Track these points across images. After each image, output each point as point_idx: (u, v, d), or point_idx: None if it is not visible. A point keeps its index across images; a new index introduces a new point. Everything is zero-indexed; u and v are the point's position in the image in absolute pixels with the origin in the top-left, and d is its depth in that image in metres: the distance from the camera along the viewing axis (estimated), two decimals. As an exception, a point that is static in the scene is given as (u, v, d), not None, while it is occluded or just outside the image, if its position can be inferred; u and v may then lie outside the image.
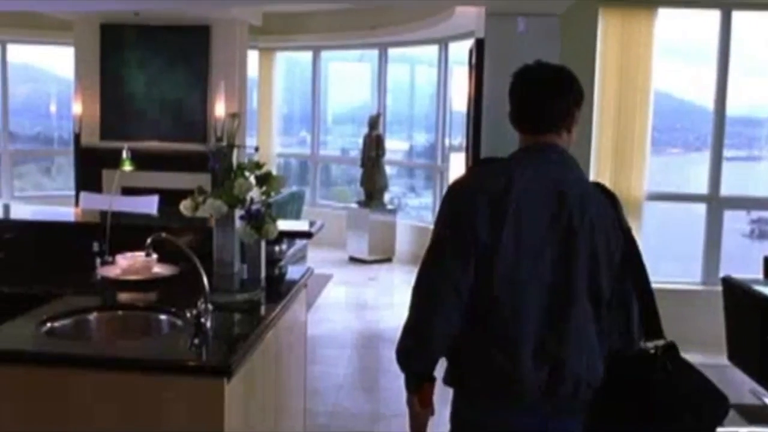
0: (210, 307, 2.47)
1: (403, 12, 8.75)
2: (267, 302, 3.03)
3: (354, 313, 7.43)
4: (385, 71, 10.20)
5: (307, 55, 10.88)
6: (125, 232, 3.59)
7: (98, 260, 3.34)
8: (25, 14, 9.14)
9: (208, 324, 2.44)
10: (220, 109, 8.89)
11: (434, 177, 9.86)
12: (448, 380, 2.23)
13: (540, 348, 2.07)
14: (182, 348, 2.36)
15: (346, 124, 11.84)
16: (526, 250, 2.09)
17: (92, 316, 2.63)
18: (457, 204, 2.18)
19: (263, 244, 3.25)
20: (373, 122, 9.41)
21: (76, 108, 9.05)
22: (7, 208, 5.03)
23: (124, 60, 9.09)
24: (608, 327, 2.16)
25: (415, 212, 10.85)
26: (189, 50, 8.98)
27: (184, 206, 3.25)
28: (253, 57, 9.69)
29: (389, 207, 9.62)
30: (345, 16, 9.52)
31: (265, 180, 3.20)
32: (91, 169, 9.03)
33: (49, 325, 2.46)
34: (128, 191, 8.25)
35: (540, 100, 2.26)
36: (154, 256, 3.26)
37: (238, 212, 3.19)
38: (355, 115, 11.26)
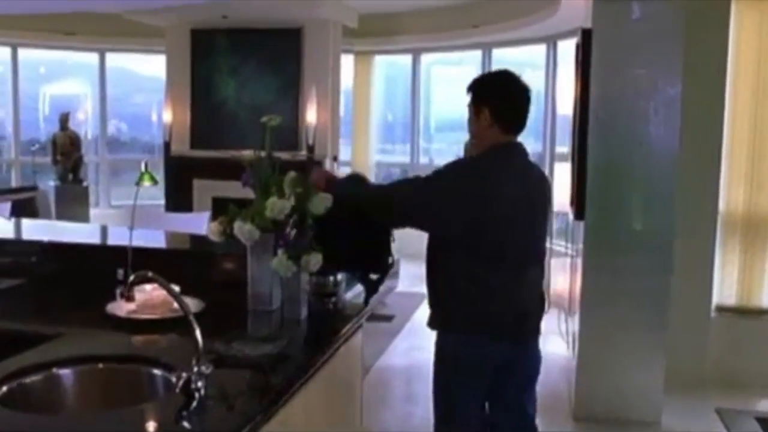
0: (206, 368, 1.87)
1: (507, 8, 8.02)
2: (305, 351, 2.42)
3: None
4: (489, 74, 9.47)
5: (407, 59, 10.27)
6: (152, 258, 3.07)
7: (118, 291, 2.82)
8: (121, 22, 9.01)
9: (203, 391, 1.85)
10: (311, 115, 8.42)
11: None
12: (435, 324, 2.96)
13: (512, 298, 2.76)
14: (166, 424, 1.78)
15: (450, 130, 11.16)
16: (509, 222, 2.70)
17: (67, 372, 2.07)
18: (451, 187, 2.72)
19: (304, 277, 2.64)
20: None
21: (166, 116, 8.79)
22: (21, 227, 4.63)
23: (215, 66, 8.79)
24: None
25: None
26: (280, 54, 8.58)
27: (212, 230, 2.68)
28: (347, 61, 9.16)
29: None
30: (446, 14, 8.86)
31: (304, 199, 2.59)
32: (181, 178, 8.78)
33: (5, 388, 1.92)
34: (218, 202, 7.92)
35: (527, 108, 2.75)
36: (176, 288, 2.73)
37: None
38: (459, 121, 10.57)
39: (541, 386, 5.24)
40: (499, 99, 2.71)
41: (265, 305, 2.70)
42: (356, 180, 3.04)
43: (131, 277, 2.05)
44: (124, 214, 9.55)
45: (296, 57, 8.52)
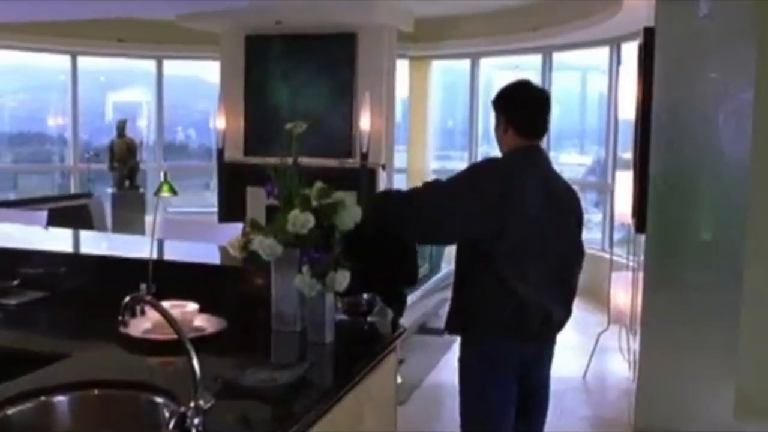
0: (205, 402, 1.68)
1: (568, 9, 7.70)
2: (325, 379, 2.21)
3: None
4: (550, 78, 9.14)
5: (465, 64, 10.01)
6: (175, 272, 2.92)
7: (138, 308, 2.66)
8: (176, 29, 9.01)
9: (200, 428, 1.65)
10: (365, 122, 8.24)
11: (605, 197, 8.67)
12: (459, 328, 2.97)
13: (538, 302, 2.78)
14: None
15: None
16: (531, 226, 2.71)
17: (61, 399, 1.91)
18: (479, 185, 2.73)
19: (330, 297, 2.43)
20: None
21: (220, 122, 8.73)
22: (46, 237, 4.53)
23: (269, 71, 8.69)
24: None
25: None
26: (334, 60, 8.42)
27: (231, 245, 2.50)
28: (403, 67, 8.95)
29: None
30: (504, 17, 8.58)
31: (330, 212, 2.38)
32: (235, 185, 8.69)
33: (-5, 416, 1.76)
34: (272, 210, 7.82)
35: (542, 115, 2.88)
36: (194, 306, 2.56)
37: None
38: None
39: (600, 406, 4.94)
40: (513, 108, 2.86)
41: (290, 326, 2.51)
42: (378, 196, 2.95)
43: (125, 300, 1.86)
44: (180, 221, 9.54)
45: (350, 62, 8.35)
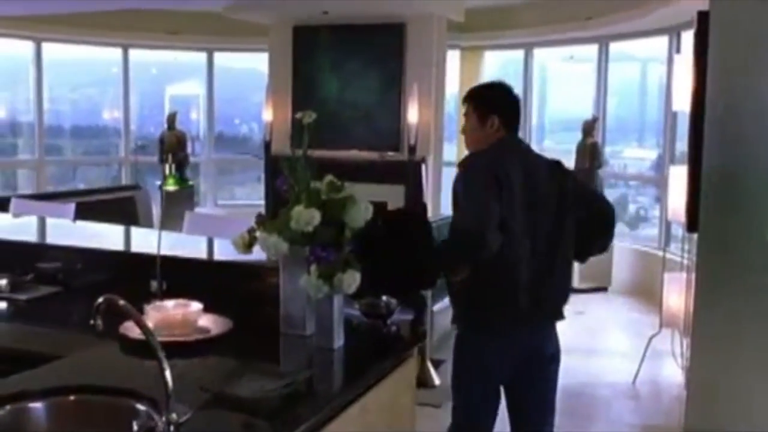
0: (180, 416, 1.54)
1: (623, -5, 7.38)
2: (325, 391, 2.04)
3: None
4: (606, 69, 8.81)
5: (518, 55, 9.73)
6: (184, 269, 2.79)
7: (146, 307, 2.54)
8: (225, 21, 8.96)
9: (174, 447, 1.51)
10: (413, 115, 8.05)
11: (661, 193, 8.31)
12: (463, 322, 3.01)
13: (530, 284, 2.87)
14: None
15: (565, 131, 10.52)
16: (521, 212, 2.84)
17: (37, 406, 1.78)
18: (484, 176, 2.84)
19: (339, 300, 2.27)
20: (588, 128, 8.10)
21: (267, 114, 8.64)
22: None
23: (317, 63, 8.56)
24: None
25: (638, 232, 9.34)
26: (382, 51, 8.25)
27: (236, 242, 2.36)
28: (453, 58, 8.73)
29: (606, 227, 8.22)
30: (558, 5, 8.27)
31: (338, 208, 2.22)
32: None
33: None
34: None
35: (519, 108, 3.10)
36: (198, 306, 2.42)
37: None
38: (575, 120, 9.93)
39: (650, 414, 4.66)
40: (503, 105, 3.04)
41: (298, 329, 2.35)
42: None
43: (97, 301, 1.72)
44: (230, 213, 9.51)
45: (399, 53, 8.17)
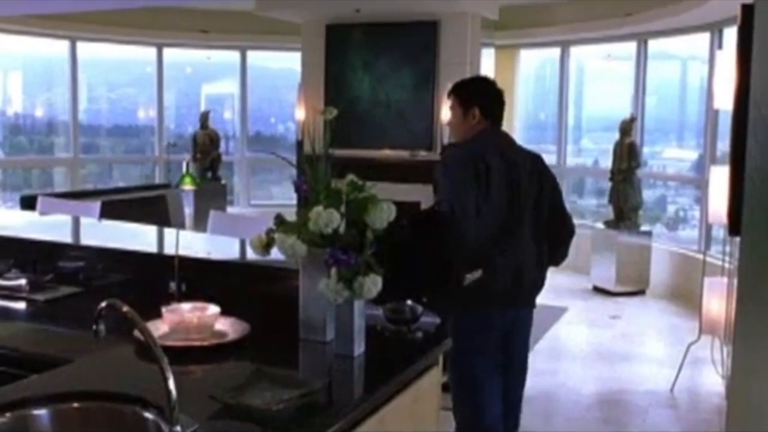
0: (184, 428, 1.45)
1: (663, -10, 7.18)
2: (341, 402, 1.95)
3: (586, 364, 5.80)
4: (645, 67, 8.60)
5: (554, 53, 9.55)
6: (204, 270, 2.72)
7: (163, 309, 2.46)
8: (259, 20, 8.93)
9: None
10: (446, 114, 7.91)
11: (702, 194, 8.09)
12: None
13: (513, 269, 3.08)
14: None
15: (603, 130, 10.31)
16: (499, 200, 3.01)
17: (41, 413, 1.71)
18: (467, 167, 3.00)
19: (360, 305, 2.17)
20: (625, 128, 7.90)
21: (299, 113, 8.57)
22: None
23: (349, 61, 8.47)
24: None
25: (677, 234, 9.11)
26: (415, 49, 8.13)
27: (253, 242, 2.27)
28: (488, 56, 8.57)
29: (643, 229, 8.03)
30: (595, 2, 8.10)
31: (359, 208, 2.12)
32: (313, 178, 8.52)
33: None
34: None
35: (501, 100, 3.22)
36: (215, 309, 2.34)
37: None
38: (613, 119, 9.73)
39: (688, 423, 4.49)
40: (487, 99, 3.18)
41: (317, 335, 2.26)
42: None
43: (100, 306, 1.65)
44: (263, 213, 9.47)
45: (432, 52, 8.04)
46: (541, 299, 6.90)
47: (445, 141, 7.97)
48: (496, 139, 3.17)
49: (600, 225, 8.22)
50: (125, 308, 1.58)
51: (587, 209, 10.12)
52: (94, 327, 1.67)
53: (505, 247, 3.02)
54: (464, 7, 7.82)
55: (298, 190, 2.27)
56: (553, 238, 3.18)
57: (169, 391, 1.46)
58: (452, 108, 3.24)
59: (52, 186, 10.27)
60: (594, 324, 6.87)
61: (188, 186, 3.05)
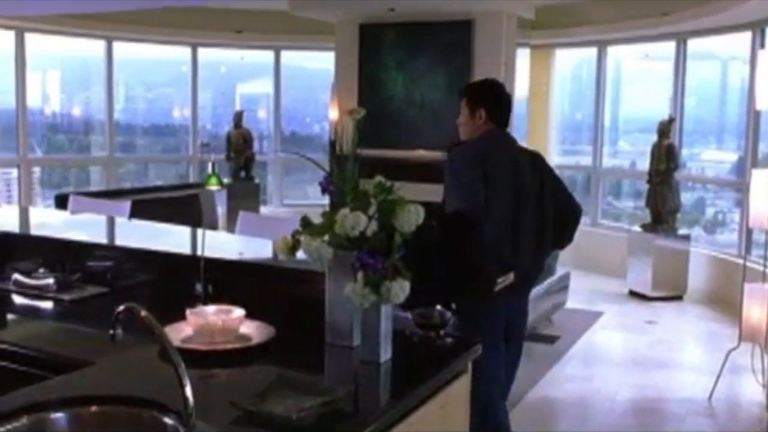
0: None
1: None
2: (366, 409, 1.89)
3: (621, 370, 5.66)
4: (684, 68, 8.43)
5: (591, 52, 9.41)
6: (230, 272, 2.68)
7: (188, 311, 2.42)
8: (293, 20, 8.92)
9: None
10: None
11: (742, 197, 7.91)
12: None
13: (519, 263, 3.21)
14: None
15: (640, 131, 10.13)
16: (504, 198, 3.14)
17: (59, 416, 1.68)
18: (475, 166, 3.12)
19: (387, 310, 2.11)
20: (664, 129, 7.74)
21: (332, 113, 8.56)
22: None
23: (383, 61, 8.44)
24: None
25: (716, 237, 8.92)
26: (449, 48, 8.07)
27: (277, 245, 2.22)
28: (523, 56, 8.47)
29: (681, 232, 7.87)
30: (633, 1, 7.95)
31: (387, 211, 2.06)
32: (346, 178, 8.49)
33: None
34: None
35: (508, 104, 3.35)
36: (240, 312, 2.30)
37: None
38: (650, 120, 9.56)
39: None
40: (495, 102, 3.30)
41: (344, 340, 2.20)
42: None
43: (117, 310, 1.61)
44: (295, 213, 9.45)
45: (466, 51, 7.97)
46: (575, 303, 6.90)
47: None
48: (502, 139, 3.31)
49: (637, 228, 8.07)
50: (143, 313, 1.54)
51: (624, 212, 9.95)
52: (112, 331, 1.63)
53: (515, 243, 3.16)
54: (500, 6, 7.74)
55: (324, 191, 2.22)
56: (560, 224, 3.33)
57: (186, 398, 1.42)
58: (462, 108, 3.36)
59: (89, 184, 10.36)
60: (629, 329, 6.74)
61: (213, 186, 3.00)
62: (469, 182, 3.08)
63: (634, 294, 7.82)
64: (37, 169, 9.95)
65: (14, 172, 9.27)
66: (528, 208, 3.20)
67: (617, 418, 4.72)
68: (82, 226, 3.90)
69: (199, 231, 3.20)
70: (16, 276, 2.95)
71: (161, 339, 1.53)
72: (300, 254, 2.21)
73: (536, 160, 3.35)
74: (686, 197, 8.56)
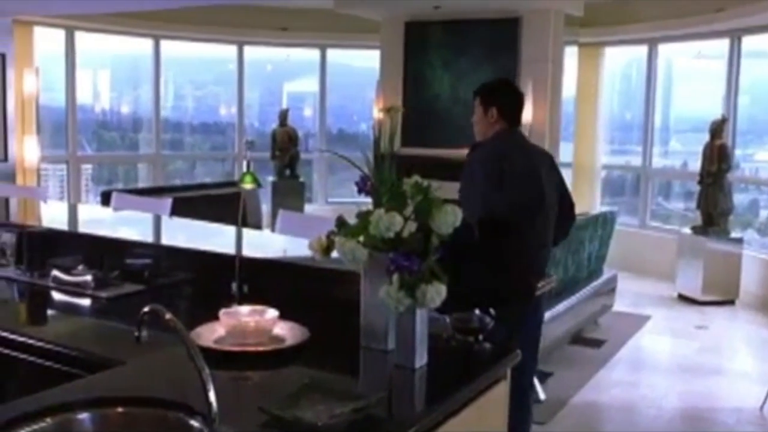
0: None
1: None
2: (399, 416, 1.83)
3: (669, 376, 5.49)
4: (738, 66, 8.19)
5: (642, 50, 9.20)
6: (266, 272, 2.65)
7: (221, 312, 2.39)
8: (338, 18, 8.91)
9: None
10: (527, 113, 7.71)
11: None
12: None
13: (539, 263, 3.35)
14: None
15: (692, 131, 9.88)
16: (524, 198, 3.15)
17: (85, 417, 1.65)
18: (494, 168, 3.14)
19: (423, 314, 2.05)
20: (716, 129, 7.53)
21: (376, 112, 8.51)
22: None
23: (428, 59, 8.38)
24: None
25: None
26: (495, 46, 7.98)
27: (312, 246, 2.18)
28: (571, 54, 8.33)
29: (734, 235, 7.65)
30: (685, -2, 7.78)
31: (423, 211, 2.00)
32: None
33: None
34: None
35: (520, 103, 3.39)
36: (274, 313, 2.25)
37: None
38: (702, 120, 9.33)
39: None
40: (507, 101, 3.34)
41: (379, 344, 2.15)
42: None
43: (142, 311, 1.57)
44: (339, 211, 9.43)
45: (513, 49, 7.88)
46: (622, 306, 6.75)
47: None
48: (517, 137, 3.37)
49: (687, 230, 7.87)
50: (167, 315, 1.51)
51: (674, 213, 9.73)
52: (136, 333, 1.60)
53: (535, 241, 3.22)
54: (547, 3, 7.64)
55: (360, 190, 2.17)
56: (562, 219, 3.36)
57: (209, 403, 1.38)
58: (476, 107, 3.39)
59: (137, 182, 10.48)
60: (678, 334, 6.56)
61: (249, 185, 2.96)
62: (479, 188, 3.14)
63: (683, 298, 7.62)
64: (89, 166, 10.10)
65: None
66: (551, 207, 3.25)
67: (664, 425, 4.58)
68: (123, 223, 3.91)
69: (237, 230, 3.18)
70: (56, 272, 2.96)
71: (185, 342, 1.49)
72: (336, 254, 2.16)
73: (549, 158, 3.43)
74: (739, 199, 8.32)
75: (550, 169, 3.32)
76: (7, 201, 4.46)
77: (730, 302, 7.45)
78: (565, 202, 3.40)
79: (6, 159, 8.12)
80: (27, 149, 8.31)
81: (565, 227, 3.45)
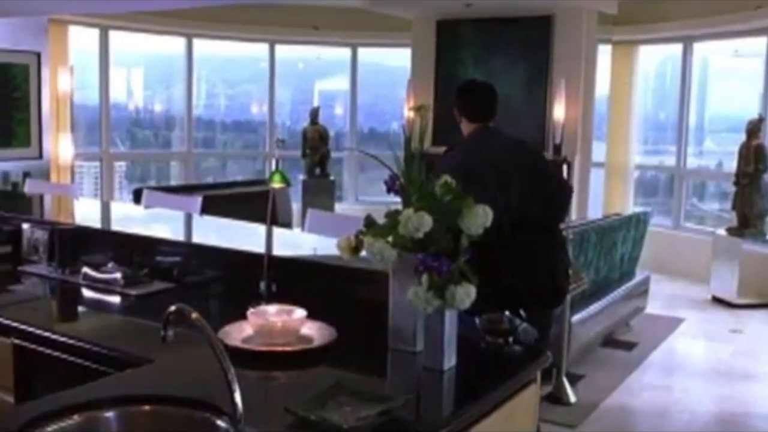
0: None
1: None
2: (426, 419, 1.80)
3: (703, 380, 5.38)
4: (776, 64, 8.03)
5: (676, 49, 9.07)
6: (294, 270, 2.63)
7: (249, 311, 2.38)
8: (370, 16, 8.91)
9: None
10: (559, 111, 7.67)
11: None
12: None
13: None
14: None
15: (727, 131, 9.73)
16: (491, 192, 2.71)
17: (111, 415, 1.65)
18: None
19: (452, 316, 2.02)
20: (753, 129, 7.39)
21: (407, 110, 8.48)
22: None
23: (459, 58, 8.34)
24: None
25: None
26: (528, 45, 7.93)
27: (340, 245, 2.16)
28: (604, 52, 8.23)
29: (770, 237, 7.51)
30: (722, -5, 7.65)
31: (453, 212, 1.97)
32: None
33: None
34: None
35: (491, 102, 3.46)
36: (302, 313, 2.24)
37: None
38: (738, 120, 9.17)
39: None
40: (462, 101, 3.45)
41: (407, 345, 2.13)
42: None
43: (168, 310, 1.56)
44: (369, 210, 9.41)
45: (545, 47, 7.82)
46: (655, 308, 6.66)
47: (557, 141, 7.73)
48: (486, 136, 3.35)
49: (722, 231, 7.73)
50: (194, 315, 1.50)
51: (708, 214, 9.58)
52: (162, 333, 1.59)
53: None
54: (581, 2, 7.56)
55: (389, 190, 2.15)
56: (547, 206, 3.30)
57: (235, 404, 1.37)
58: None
59: (169, 179, 10.56)
60: (712, 338, 6.45)
61: (277, 184, 2.94)
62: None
63: (717, 300, 7.49)
64: (123, 164, 10.19)
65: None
66: (529, 209, 3.18)
67: (697, 431, 4.50)
68: (153, 220, 3.93)
69: (267, 229, 3.17)
70: (86, 270, 2.98)
71: (211, 343, 1.48)
72: (364, 254, 2.14)
73: (521, 148, 3.42)
74: (776, 200, 8.15)
75: (519, 161, 3.26)
76: (41, 198, 4.51)
77: (766, 305, 7.31)
78: (551, 183, 3.35)
79: (41, 156, 8.22)
80: (61, 147, 8.40)
81: (555, 207, 3.36)
